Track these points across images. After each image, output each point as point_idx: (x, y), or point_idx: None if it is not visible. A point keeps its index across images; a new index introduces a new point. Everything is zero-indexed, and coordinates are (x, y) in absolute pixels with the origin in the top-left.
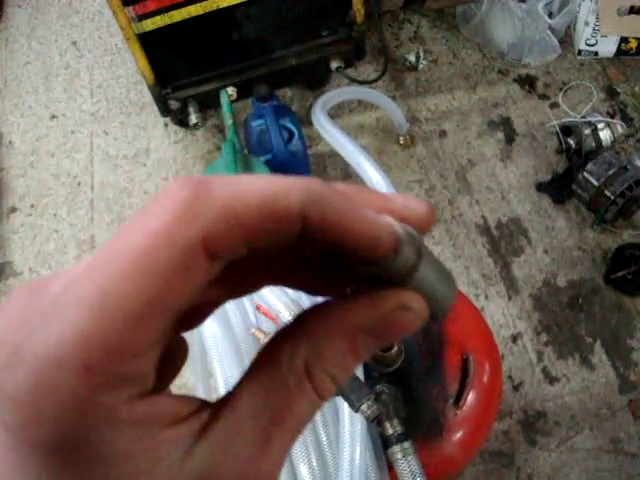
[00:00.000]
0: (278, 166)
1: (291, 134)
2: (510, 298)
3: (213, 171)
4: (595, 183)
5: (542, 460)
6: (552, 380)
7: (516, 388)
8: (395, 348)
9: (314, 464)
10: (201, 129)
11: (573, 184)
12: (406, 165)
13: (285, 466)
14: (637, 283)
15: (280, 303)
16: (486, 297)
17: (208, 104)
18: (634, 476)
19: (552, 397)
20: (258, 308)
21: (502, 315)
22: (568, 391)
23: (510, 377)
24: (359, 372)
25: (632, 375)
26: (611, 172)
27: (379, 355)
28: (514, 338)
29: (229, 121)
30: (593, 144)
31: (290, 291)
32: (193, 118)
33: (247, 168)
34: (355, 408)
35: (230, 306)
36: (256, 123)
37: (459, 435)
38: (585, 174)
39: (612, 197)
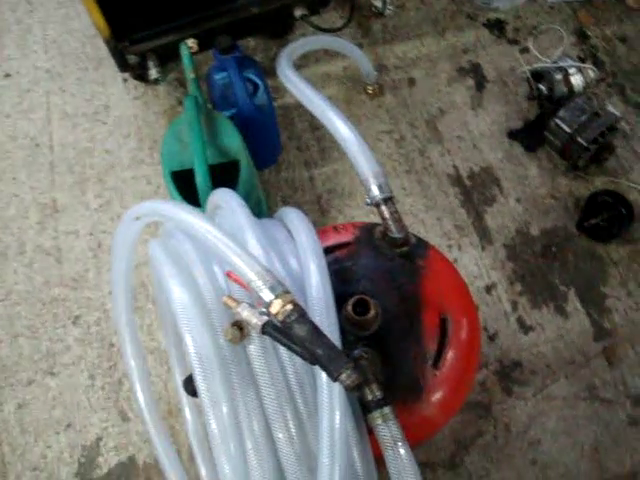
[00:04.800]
0: (243, 121)
1: (256, 86)
2: (483, 248)
3: (176, 129)
4: (567, 130)
5: (519, 409)
6: (527, 329)
7: (491, 339)
8: (372, 311)
9: (292, 432)
10: (162, 83)
11: (545, 131)
12: (375, 115)
13: (263, 435)
14: (610, 230)
15: (252, 271)
16: (459, 248)
17: (168, 57)
18: (610, 422)
19: (527, 346)
20: (229, 275)
21: (476, 266)
22: (543, 340)
23: (485, 328)
24: (336, 338)
25: (606, 322)
26: (583, 118)
27: (356, 319)
28: (488, 289)
29: (190, 75)
30: (565, 90)
31: (262, 259)
32: (153, 73)
33: (211, 124)
34: (334, 378)
35: (199, 273)
36: (219, 76)
37: (439, 396)
38: (557, 121)
39: (585, 144)
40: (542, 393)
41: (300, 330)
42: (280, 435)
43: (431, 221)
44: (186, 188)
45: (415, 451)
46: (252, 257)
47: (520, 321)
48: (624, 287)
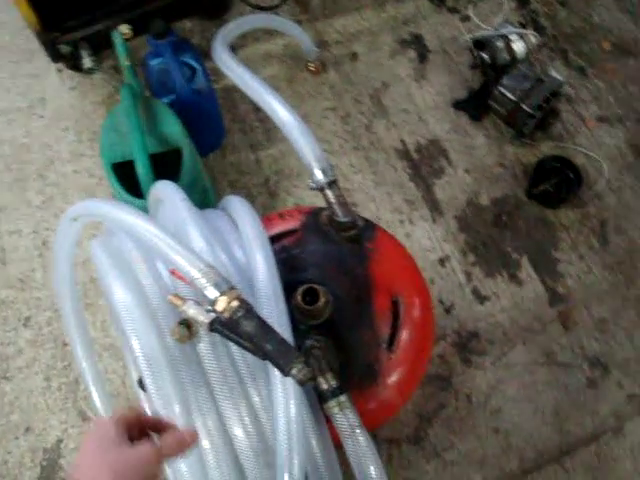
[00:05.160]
0: (183, 107)
1: (194, 71)
2: (435, 221)
3: (114, 120)
4: (512, 97)
5: (479, 379)
6: (482, 299)
7: (447, 311)
8: (322, 300)
9: (249, 428)
10: (98, 72)
11: (490, 100)
12: (319, 92)
13: (219, 433)
14: (559, 195)
15: (195, 269)
16: (411, 222)
17: (102, 45)
18: (568, 385)
19: (483, 316)
20: (173, 273)
21: (428, 239)
22: (499, 309)
23: (441, 301)
24: (286, 330)
25: (560, 287)
26: (527, 85)
27: (306, 308)
28: (442, 261)
29: (125, 63)
30: (507, 57)
31: (206, 253)
32: (87, 62)
33: (150, 113)
34: (285, 373)
35: (142, 272)
36: (155, 62)
37: (395, 378)
38: (501, 89)
39: (530, 111)
40: (501, 362)
41: (248, 326)
42: (236, 432)
43: (381, 197)
44: (128, 180)
45: (378, 429)
46: (194, 254)
47: (475, 291)
48: (575, 251)
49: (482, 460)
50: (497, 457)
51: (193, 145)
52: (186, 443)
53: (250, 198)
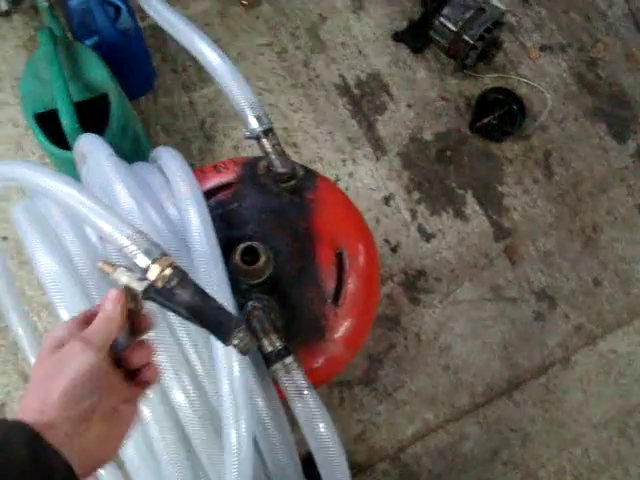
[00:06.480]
0: (108, 49)
1: (118, 9)
2: (378, 159)
3: (34, 66)
4: (453, 28)
5: (427, 317)
6: (428, 237)
7: (394, 250)
8: (262, 258)
9: (192, 395)
10: (16, 14)
11: (430, 31)
12: (253, 28)
13: (161, 402)
14: (503, 128)
15: (122, 235)
16: (354, 161)
17: None
18: (516, 319)
19: (430, 254)
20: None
21: (372, 178)
22: (445, 246)
23: (387, 240)
24: (226, 291)
25: (505, 221)
26: (468, 15)
27: (245, 268)
28: (386, 200)
29: (42, 3)
30: None
31: (135, 216)
32: (2, 4)
33: (72, 57)
34: (226, 343)
35: (69, 238)
36: (75, 2)
37: (342, 332)
38: (441, 19)
39: (471, 41)
40: (448, 299)
41: (184, 295)
42: (179, 399)
43: (323, 136)
44: (54, 130)
45: None
46: (120, 219)
47: (421, 229)
48: (520, 184)
49: (433, 397)
50: (448, 394)
51: (121, 90)
52: (112, 317)
53: (186, 142)
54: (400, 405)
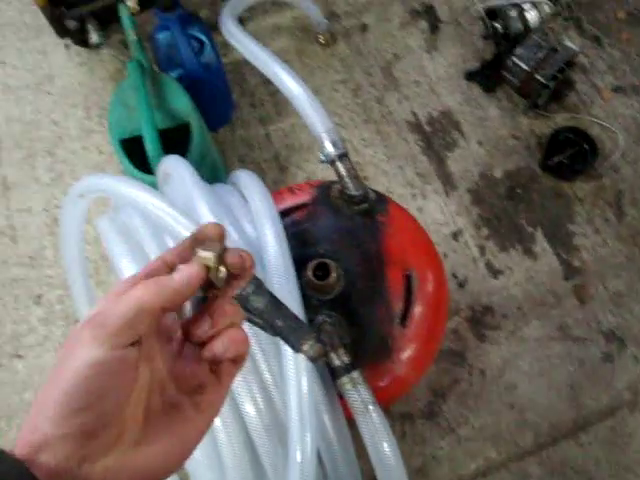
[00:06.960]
0: (191, 81)
1: (202, 44)
2: (448, 195)
3: (121, 95)
4: (525, 67)
5: (493, 354)
6: (496, 273)
7: (461, 285)
8: (333, 275)
9: (260, 403)
10: (106, 47)
11: (502, 70)
12: (329, 65)
13: (229, 408)
14: (574, 167)
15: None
16: (423, 196)
17: (109, 19)
18: (583, 359)
19: (497, 290)
20: None
21: (441, 213)
22: (513, 283)
23: (454, 275)
24: (297, 305)
25: (575, 260)
26: (541, 55)
27: (317, 283)
28: (455, 235)
29: (132, 37)
30: (520, 26)
31: None
32: (94, 37)
33: (158, 87)
34: (296, 349)
35: (151, 249)
36: (162, 36)
37: (408, 354)
38: (514, 59)
39: (544, 81)
40: (515, 336)
41: (258, 302)
42: (248, 408)
43: (393, 171)
44: (138, 156)
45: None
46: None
47: (489, 265)
48: (591, 224)
49: (497, 435)
50: (512, 432)
51: (202, 120)
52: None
53: (260, 173)
54: (462, 441)
